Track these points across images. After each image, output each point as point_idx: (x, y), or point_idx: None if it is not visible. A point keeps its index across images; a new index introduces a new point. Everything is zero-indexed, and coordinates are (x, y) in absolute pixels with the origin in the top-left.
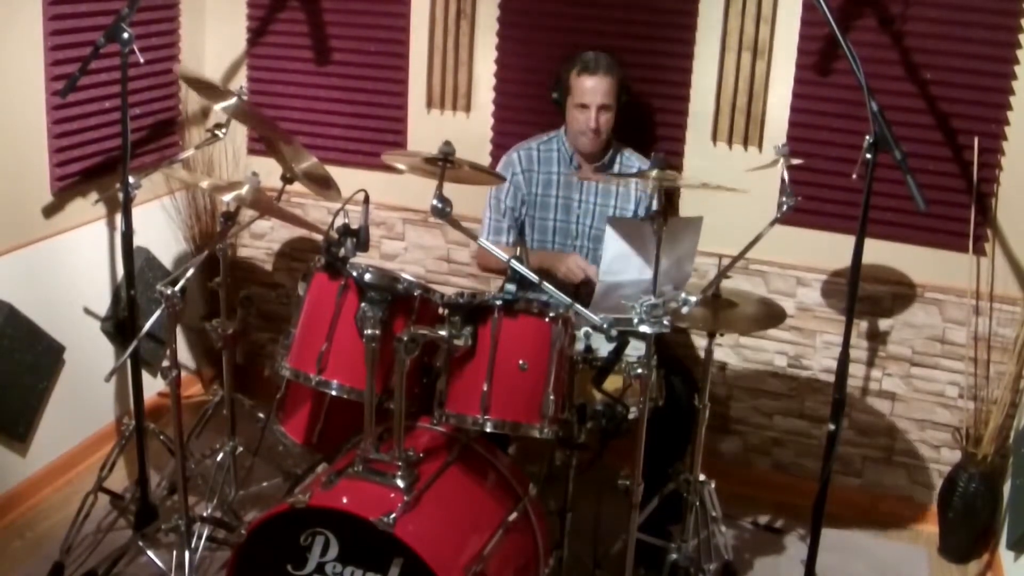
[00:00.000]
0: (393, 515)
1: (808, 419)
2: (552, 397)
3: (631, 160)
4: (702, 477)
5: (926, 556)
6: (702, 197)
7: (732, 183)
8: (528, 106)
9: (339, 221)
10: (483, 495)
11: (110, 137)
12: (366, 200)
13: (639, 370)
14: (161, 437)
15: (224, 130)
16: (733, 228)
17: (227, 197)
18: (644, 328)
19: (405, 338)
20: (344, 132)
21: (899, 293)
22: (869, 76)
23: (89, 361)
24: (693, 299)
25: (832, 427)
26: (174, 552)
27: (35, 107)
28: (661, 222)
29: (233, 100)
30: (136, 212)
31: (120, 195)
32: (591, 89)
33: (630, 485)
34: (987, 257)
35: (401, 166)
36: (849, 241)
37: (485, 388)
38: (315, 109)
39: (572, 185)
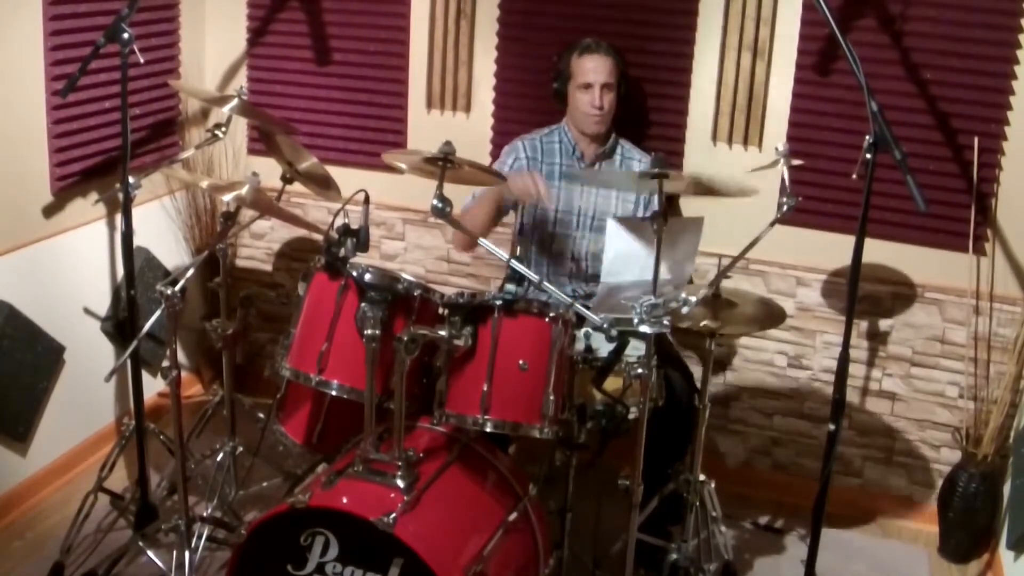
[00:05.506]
0: (393, 515)
1: (808, 419)
2: (552, 397)
3: (631, 152)
4: (702, 477)
5: (926, 556)
6: (703, 197)
7: (732, 183)
8: (528, 106)
9: (339, 221)
10: (483, 495)
11: (110, 137)
12: (366, 200)
13: (639, 370)
14: (161, 437)
15: (224, 130)
16: (733, 228)
17: (227, 197)
18: (644, 328)
19: (405, 338)
20: (344, 132)
21: (899, 293)
22: (869, 76)
23: (89, 361)
24: (693, 299)
25: (832, 427)
26: (174, 552)
27: (35, 107)
28: (662, 222)
29: (234, 102)
30: (136, 212)
31: (120, 195)
32: (593, 68)
33: (630, 485)
34: (987, 257)
35: (401, 166)
36: (849, 241)
37: (485, 388)
38: (315, 109)
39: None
